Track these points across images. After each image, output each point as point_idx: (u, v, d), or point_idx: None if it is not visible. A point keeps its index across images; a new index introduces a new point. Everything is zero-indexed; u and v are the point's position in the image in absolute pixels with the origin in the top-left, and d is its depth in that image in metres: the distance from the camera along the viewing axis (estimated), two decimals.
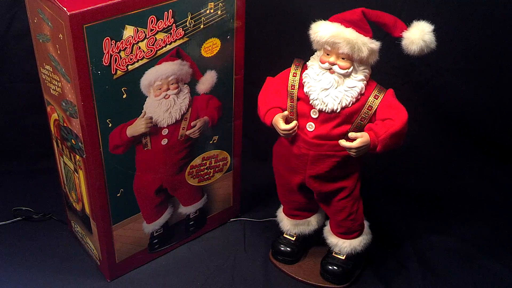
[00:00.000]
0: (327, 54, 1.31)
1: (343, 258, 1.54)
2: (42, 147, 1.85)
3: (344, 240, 1.52)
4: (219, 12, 1.35)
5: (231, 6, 1.36)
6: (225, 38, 1.41)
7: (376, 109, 1.32)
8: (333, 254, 1.55)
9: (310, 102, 1.35)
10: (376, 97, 1.32)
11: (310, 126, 1.37)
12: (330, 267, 1.54)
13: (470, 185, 1.93)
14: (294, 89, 1.38)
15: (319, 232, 1.60)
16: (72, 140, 1.37)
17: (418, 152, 2.01)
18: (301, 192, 1.51)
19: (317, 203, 1.56)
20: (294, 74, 1.38)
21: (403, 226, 1.76)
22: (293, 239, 1.60)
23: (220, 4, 1.34)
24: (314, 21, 1.32)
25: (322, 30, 1.29)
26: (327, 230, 1.56)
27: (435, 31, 1.30)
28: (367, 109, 1.32)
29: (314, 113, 1.35)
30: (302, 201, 1.54)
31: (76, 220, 1.60)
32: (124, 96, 1.29)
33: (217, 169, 1.62)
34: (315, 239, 1.61)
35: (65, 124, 1.38)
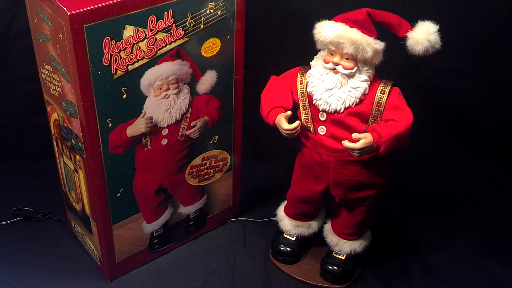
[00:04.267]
0: (331, 54, 1.31)
1: (343, 258, 1.54)
2: (42, 147, 1.85)
3: (345, 240, 1.52)
4: (219, 12, 1.35)
5: (231, 6, 1.36)
6: (225, 38, 1.41)
7: (385, 105, 1.31)
8: (333, 254, 1.55)
9: (314, 102, 1.34)
10: (383, 92, 1.31)
11: (322, 130, 1.36)
12: (330, 267, 1.54)
13: (470, 185, 1.93)
14: (304, 96, 1.37)
15: (319, 232, 1.60)
16: (72, 140, 1.37)
17: (418, 152, 2.01)
18: (315, 202, 1.51)
19: (320, 209, 1.56)
20: (301, 82, 1.38)
21: (403, 226, 1.76)
22: (293, 239, 1.60)
23: (220, 4, 1.34)
24: (319, 20, 1.32)
25: (327, 30, 1.29)
26: (327, 229, 1.56)
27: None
28: (376, 106, 1.32)
29: (322, 115, 1.35)
30: (309, 209, 1.54)
31: (76, 220, 1.60)
32: (124, 96, 1.29)
33: (217, 169, 1.62)
34: (315, 239, 1.61)
35: (65, 124, 1.38)
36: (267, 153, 2.02)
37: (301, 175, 1.49)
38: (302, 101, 1.38)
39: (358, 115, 1.32)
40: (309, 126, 1.38)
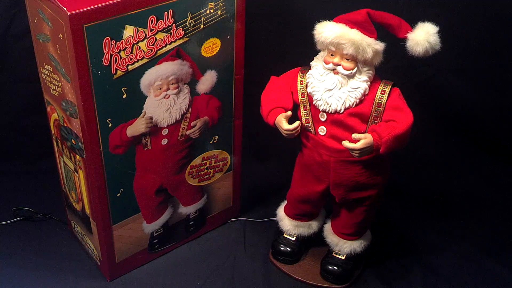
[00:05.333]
0: (331, 55, 1.31)
1: (343, 258, 1.54)
2: (42, 147, 1.85)
3: (345, 240, 1.52)
4: (219, 12, 1.35)
5: (231, 6, 1.36)
6: (225, 38, 1.41)
7: (385, 105, 1.32)
8: (333, 254, 1.55)
9: (314, 103, 1.34)
10: (383, 92, 1.32)
11: (322, 130, 1.36)
12: (330, 267, 1.54)
13: (471, 185, 1.93)
14: (304, 97, 1.37)
15: (319, 232, 1.60)
16: (72, 140, 1.37)
17: (418, 152, 2.01)
18: (317, 202, 1.51)
19: (321, 209, 1.56)
20: (301, 82, 1.38)
21: (403, 226, 1.76)
22: (293, 239, 1.60)
23: (220, 4, 1.34)
24: (319, 21, 1.32)
25: (327, 31, 1.29)
26: (327, 229, 1.56)
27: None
28: (377, 106, 1.32)
29: (322, 116, 1.35)
30: (310, 210, 1.54)
31: (76, 220, 1.60)
32: (124, 96, 1.29)
33: (217, 169, 1.62)
34: (315, 239, 1.61)
35: (65, 124, 1.38)
36: (267, 153, 2.01)
37: (301, 175, 1.49)
38: (302, 101, 1.38)
39: (358, 115, 1.32)
40: (310, 127, 1.38)
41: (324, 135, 1.37)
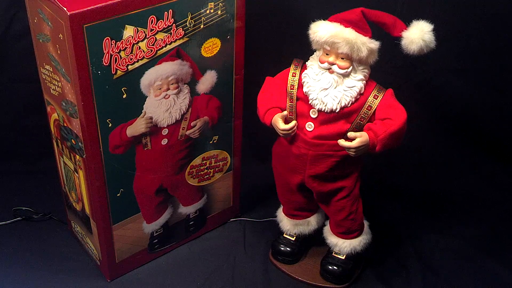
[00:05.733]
0: (327, 54, 1.31)
1: (343, 258, 1.54)
2: (42, 147, 1.85)
3: (344, 240, 1.52)
4: (219, 12, 1.35)
5: (231, 6, 1.36)
6: (225, 38, 1.41)
7: (375, 109, 1.32)
8: (333, 254, 1.55)
9: (310, 102, 1.35)
10: (376, 97, 1.32)
11: (309, 126, 1.37)
12: (330, 267, 1.54)
13: (470, 185, 1.93)
14: (293, 89, 1.38)
15: (319, 232, 1.60)
16: (72, 140, 1.37)
17: (418, 152, 2.01)
18: (300, 192, 1.51)
19: (316, 203, 1.56)
20: (294, 74, 1.38)
21: (403, 226, 1.76)
22: (293, 239, 1.60)
23: (220, 4, 1.34)
24: (314, 21, 1.32)
25: (322, 30, 1.29)
26: (327, 230, 1.56)
27: (435, 30, 1.29)
28: (366, 109, 1.32)
29: (314, 113, 1.35)
30: (301, 201, 1.54)
31: (76, 220, 1.60)
32: (124, 96, 1.29)
33: (217, 169, 1.62)
34: (315, 239, 1.61)
35: (65, 124, 1.38)
36: (267, 153, 2.01)
37: (277, 166, 1.50)
38: (290, 93, 1.38)
39: (347, 114, 1.33)
40: (291, 119, 1.38)
41: (311, 131, 1.36)
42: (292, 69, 1.39)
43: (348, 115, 1.33)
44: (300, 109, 1.37)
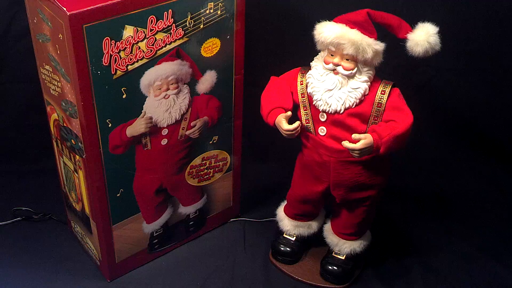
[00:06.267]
0: (331, 55, 1.31)
1: (343, 258, 1.54)
2: (42, 147, 1.85)
3: (344, 240, 1.52)
4: (219, 12, 1.35)
5: (231, 6, 1.36)
6: (225, 38, 1.40)
7: (385, 105, 1.31)
8: (333, 254, 1.55)
9: (314, 103, 1.34)
10: (383, 92, 1.31)
11: (322, 130, 1.36)
12: (330, 267, 1.54)
13: (470, 185, 1.93)
14: (304, 97, 1.37)
15: (319, 232, 1.60)
16: (72, 140, 1.37)
17: (418, 152, 2.01)
18: (315, 203, 1.51)
19: (320, 209, 1.56)
20: (301, 82, 1.38)
21: (403, 226, 1.76)
22: (293, 239, 1.60)
23: (220, 4, 1.34)
24: (319, 21, 1.32)
25: (327, 31, 1.29)
26: (327, 229, 1.56)
27: None
28: (377, 106, 1.32)
29: (322, 116, 1.35)
30: (310, 210, 1.54)
31: (76, 220, 1.60)
32: (124, 96, 1.29)
33: (217, 169, 1.62)
34: (315, 239, 1.61)
35: (65, 124, 1.38)
36: (267, 153, 2.01)
37: (301, 176, 1.49)
38: (302, 101, 1.38)
39: (358, 115, 1.32)
40: (310, 127, 1.38)
41: (324, 135, 1.37)
42: (299, 77, 1.39)
43: (361, 116, 1.32)
44: (313, 115, 1.37)
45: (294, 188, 1.53)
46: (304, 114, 1.38)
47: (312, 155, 1.41)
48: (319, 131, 1.37)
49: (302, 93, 1.38)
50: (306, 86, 1.36)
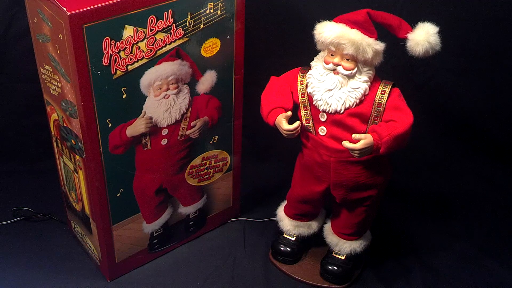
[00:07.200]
0: (332, 55, 1.31)
1: (343, 258, 1.54)
2: (42, 147, 1.85)
3: (345, 240, 1.52)
4: (219, 12, 1.35)
5: (231, 6, 1.36)
6: (225, 38, 1.40)
7: (385, 105, 1.31)
8: (333, 254, 1.55)
9: (314, 103, 1.34)
10: (383, 92, 1.32)
11: (322, 130, 1.36)
12: (330, 267, 1.54)
13: (470, 185, 1.93)
14: (304, 97, 1.37)
15: (319, 232, 1.60)
16: (72, 140, 1.37)
17: (418, 152, 2.01)
18: (315, 203, 1.51)
19: (320, 209, 1.56)
20: (301, 82, 1.38)
21: (403, 226, 1.76)
22: (293, 239, 1.60)
23: (220, 4, 1.34)
24: (319, 21, 1.32)
25: (327, 31, 1.29)
26: (327, 229, 1.56)
27: None
28: (377, 106, 1.32)
29: (322, 116, 1.35)
30: (309, 210, 1.54)
31: (76, 220, 1.60)
32: (124, 96, 1.29)
33: (217, 169, 1.62)
34: (315, 239, 1.61)
35: (65, 124, 1.38)
36: (267, 153, 2.02)
37: (301, 176, 1.49)
38: (302, 101, 1.38)
39: (358, 115, 1.32)
40: (310, 127, 1.38)
41: (324, 135, 1.37)
42: (299, 77, 1.39)
43: (361, 116, 1.32)
44: (313, 115, 1.37)
45: (294, 188, 1.53)
46: (304, 114, 1.38)
47: (312, 155, 1.41)
48: (319, 131, 1.37)
49: (302, 93, 1.38)
50: (306, 86, 1.36)
